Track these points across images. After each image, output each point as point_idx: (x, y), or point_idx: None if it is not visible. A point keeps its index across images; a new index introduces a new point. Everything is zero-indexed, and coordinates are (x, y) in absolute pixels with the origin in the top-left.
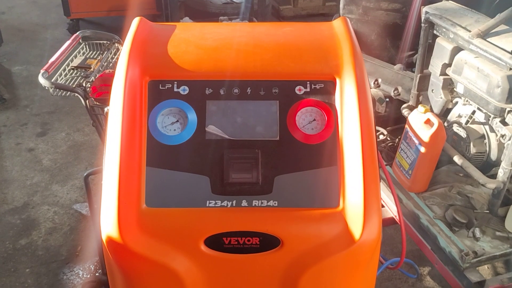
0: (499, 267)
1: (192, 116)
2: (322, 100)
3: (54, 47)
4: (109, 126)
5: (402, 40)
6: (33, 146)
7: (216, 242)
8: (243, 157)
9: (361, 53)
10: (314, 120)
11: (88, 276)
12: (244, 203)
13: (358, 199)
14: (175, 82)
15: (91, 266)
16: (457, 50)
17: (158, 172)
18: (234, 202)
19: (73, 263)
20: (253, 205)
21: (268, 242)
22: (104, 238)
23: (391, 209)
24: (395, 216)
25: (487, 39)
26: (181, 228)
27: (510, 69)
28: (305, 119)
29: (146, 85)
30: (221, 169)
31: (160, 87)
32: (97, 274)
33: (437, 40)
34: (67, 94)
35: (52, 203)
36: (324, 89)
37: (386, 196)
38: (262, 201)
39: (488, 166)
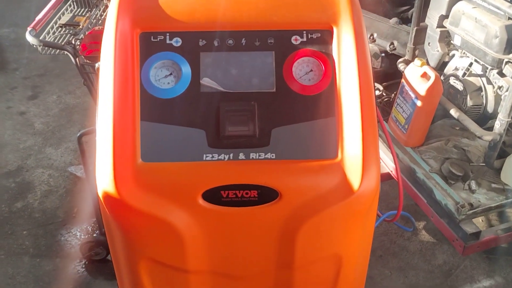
0: (493, 219)
1: (186, 69)
2: (319, 50)
3: (42, 8)
4: (100, 81)
5: None
6: (24, 109)
7: (214, 196)
8: (239, 109)
9: (358, 0)
10: (311, 70)
11: (86, 236)
12: (241, 156)
13: (356, 150)
14: (167, 34)
15: (88, 227)
16: (454, 0)
17: (153, 126)
18: (231, 155)
19: (70, 224)
20: (251, 158)
21: (266, 195)
22: (100, 194)
23: (386, 164)
24: (391, 171)
25: None
26: (178, 182)
27: (509, 18)
28: (302, 70)
29: (137, 37)
30: (217, 122)
31: (152, 39)
32: (94, 235)
33: None
34: (56, 52)
35: (46, 166)
36: (321, 38)
37: (382, 151)
38: (260, 153)
39: (485, 119)
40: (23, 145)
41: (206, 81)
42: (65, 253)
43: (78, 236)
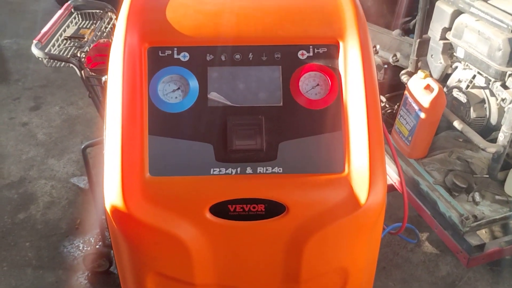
0: (496, 231)
1: (194, 83)
2: (325, 65)
3: (43, 19)
4: (108, 95)
5: (397, 5)
6: (27, 120)
7: (221, 210)
8: (247, 123)
9: (364, 15)
10: (318, 85)
11: (89, 248)
12: (248, 170)
13: (363, 164)
14: (175, 49)
15: (91, 239)
16: (457, 13)
17: (160, 141)
18: (238, 169)
19: (73, 236)
20: (258, 172)
21: (274, 209)
22: (108, 207)
23: (390, 176)
24: (394, 183)
25: (488, 1)
26: (186, 196)
27: None
28: (309, 84)
29: (145, 52)
30: (224, 136)
31: (160, 54)
32: (97, 247)
33: (437, 3)
34: (61, 65)
35: (49, 177)
36: (327, 53)
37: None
38: (267, 167)
39: (488, 131)
40: (25, 156)
41: (213, 95)
42: (68, 265)
43: (81, 247)
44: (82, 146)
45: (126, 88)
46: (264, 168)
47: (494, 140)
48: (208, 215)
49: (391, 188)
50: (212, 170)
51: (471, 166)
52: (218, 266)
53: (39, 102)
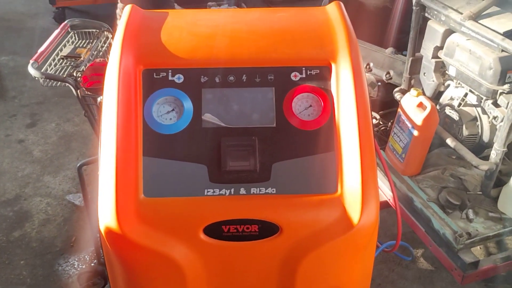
0: (491, 247)
1: (188, 105)
2: (318, 86)
3: (40, 36)
4: (103, 116)
5: (389, 23)
6: (23, 137)
7: (215, 231)
8: (240, 144)
9: (356, 37)
10: (311, 106)
11: (84, 266)
12: (242, 191)
13: (355, 184)
14: (170, 71)
15: (86, 257)
16: (449, 32)
17: (155, 162)
18: (232, 190)
19: (68, 254)
20: (252, 192)
21: (267, 229)
22: (102, 229)
23: (384, 193)
24: (389, 200)
25: (479, 21)
26: (180, 217)
27: (502, 50)
28: (302, 105)
29: (140, 74)
30: (218, 157)
31: (155, 76)
32: (92, 265)
33: (429, 23)
34: (58, 84)
35: (44, 195)
36: (319, 74)
37: (379, 180)
38: (260, 188)
39: (481, 148)
40: (21, 173)
41: (207, 116)
42: (62, 284)
43: (76, 265)
44: (78, 165)
45: (121, 109)
46: (258, 188)
47: (486, 158)
48: (202, 235)
49: (385, 205)
50: (206, 191)
51: (464, 183)
52: (213, 286)
53: (35, 119)
